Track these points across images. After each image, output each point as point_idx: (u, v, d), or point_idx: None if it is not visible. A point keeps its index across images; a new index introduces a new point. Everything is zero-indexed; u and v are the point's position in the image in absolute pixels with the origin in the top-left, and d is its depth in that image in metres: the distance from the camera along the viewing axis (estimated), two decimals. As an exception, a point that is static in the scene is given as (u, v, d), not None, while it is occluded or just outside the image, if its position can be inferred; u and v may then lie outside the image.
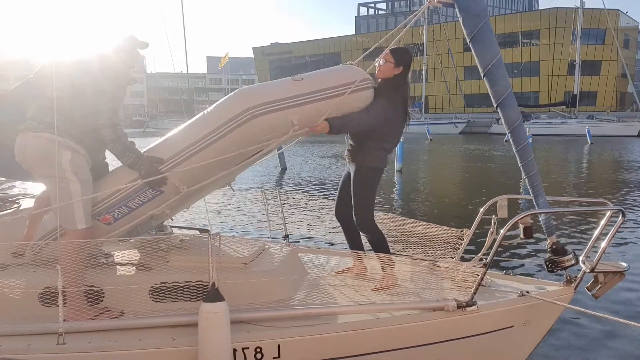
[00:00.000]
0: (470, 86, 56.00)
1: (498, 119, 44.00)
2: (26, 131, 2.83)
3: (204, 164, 2.87)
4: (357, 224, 3.38)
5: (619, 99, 56.07)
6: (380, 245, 3.36)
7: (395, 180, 14.36)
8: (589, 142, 28.69)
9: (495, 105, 2.94)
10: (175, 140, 3.02)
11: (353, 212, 3.37)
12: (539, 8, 63.01)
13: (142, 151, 2.97)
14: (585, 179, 15.27)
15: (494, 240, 3.56)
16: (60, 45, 2.95)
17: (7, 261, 2.99)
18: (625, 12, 56.55)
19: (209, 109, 3.09)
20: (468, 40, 2.84)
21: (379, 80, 3.30)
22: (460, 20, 2.84)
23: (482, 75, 2.89)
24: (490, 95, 2.92)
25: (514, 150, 3.02)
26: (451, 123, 45.52)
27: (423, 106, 49.28)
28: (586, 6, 44.09)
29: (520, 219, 2.85)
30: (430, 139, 34.25)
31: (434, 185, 14.50)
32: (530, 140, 14.73)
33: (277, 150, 3.42)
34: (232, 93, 3.12)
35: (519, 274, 3.56)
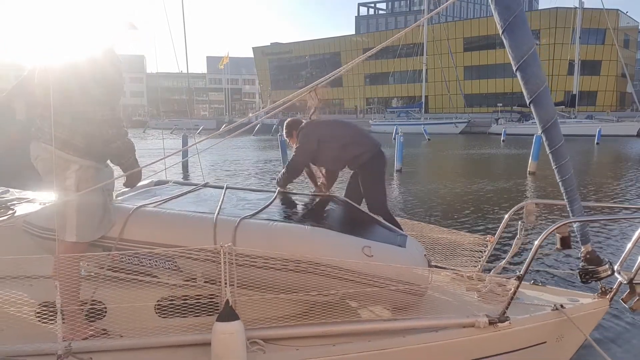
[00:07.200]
0: (470, 86, 55.76)
1: (497, 119, 43.68)
2: (36, 140, 2.62)
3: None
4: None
5: (619, 99, 55.90)
6: None
7: (395, 180, 14.15)
8: (597, 142, 28.48)
9: (528, 102, 2.73)
10: None
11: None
12: (539, 8, 62.92)
13: None
14: (614, 181, 14.36)
15: (520, 247, 3.36)
16: (55, 46, 2.71)
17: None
18: (625, 12, 56.48)
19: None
20: (500, 33, 2.63)
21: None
22: (494, 12, 2.64)
23: (514, 71, 2.68)
24: (523, 91, 2.71)
25: (548, 152, 2.81)
26: (452, 123, 45.23)
27: (423, 106, 49.08)
28: (585, 6, 43.93)
29: (556, 228, 2.63)
30: (428, 139, 33.91)
31: (434, 184, 14.25)
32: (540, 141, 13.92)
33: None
34: (308, 230, 2.72)
35: (546, 283, 3.35)
